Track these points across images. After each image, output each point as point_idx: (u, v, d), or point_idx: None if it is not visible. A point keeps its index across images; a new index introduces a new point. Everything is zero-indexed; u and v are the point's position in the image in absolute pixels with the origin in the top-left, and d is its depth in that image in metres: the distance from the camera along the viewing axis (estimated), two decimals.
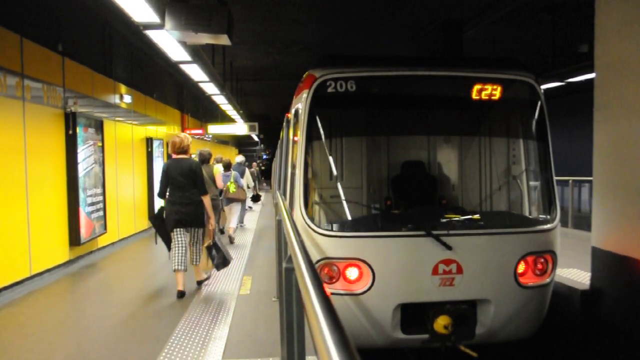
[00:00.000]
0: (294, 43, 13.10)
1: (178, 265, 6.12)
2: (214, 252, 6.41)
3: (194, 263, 6.47)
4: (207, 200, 6.30)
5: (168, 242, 6.39)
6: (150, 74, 13.23)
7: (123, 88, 10.68)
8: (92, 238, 8.69)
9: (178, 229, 6.18)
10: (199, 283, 6.62)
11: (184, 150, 6.30)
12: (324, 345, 1.12)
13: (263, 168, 28.45)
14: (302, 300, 1.65)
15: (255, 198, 14.40)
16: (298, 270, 1.93)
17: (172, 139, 6.43)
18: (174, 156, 6.38)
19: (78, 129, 8.02)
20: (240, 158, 13.61)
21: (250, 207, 16.31)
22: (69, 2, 8.36)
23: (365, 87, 4.71)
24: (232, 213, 10.59)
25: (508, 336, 4.77)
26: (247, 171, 12.81)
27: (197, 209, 6.21)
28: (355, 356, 1.03)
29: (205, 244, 6.45)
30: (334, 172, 5.09)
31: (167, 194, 6.27)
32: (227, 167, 10.47)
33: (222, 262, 6.50)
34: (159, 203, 12.85)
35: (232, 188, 10.24)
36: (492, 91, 4.76)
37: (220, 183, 9.33)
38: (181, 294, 6.14)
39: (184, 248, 6.18)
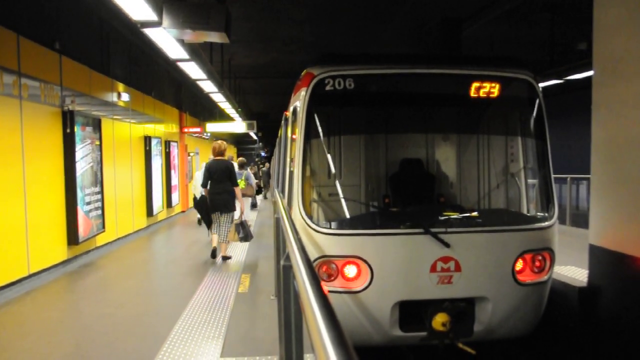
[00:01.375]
0: (292, 41, 13.08)
1: (215, 230, 8.47)
2: (240, 228, 8.20)
3: (221, 241, 8.31)
4: (237, 190, 8.22)
5: (208, 223, 8.86)
6: (148, 72, 13.21)
7: (121, 86, 10.66)
8: (90, 237, 8.68)
9: (216, 212, 8.25)
10: (224, 258, 8.34)
11: (221, 153, 8.29)
12: (321, 344, 1.12)
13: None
14: (300, 298, 1.65)
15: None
16: (296, 268, 1.93)
17: (213, 145, 8.42)
18: (214, 158, 8.28)
19: (76, 128, 8.00)
20: (241, 160, 14.50)
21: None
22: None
23: (364, 85, 4.71)
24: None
25: (506, 333, 4.78)
26: (250, 172, 14.21)
27: (228, 197, 8.12)
28: (352, 354, 1.03)
29: (235, 222, 8.29)
30: (333, 170, 5.09)
31: (209, 185, 8.18)
32: (241, 166, 11.86)
33: (245, 237, 8.30)
34: (157, 201, 12.93)
35: (242, 184, 11.26)
36: (491, 89, 4.76)
37: None
38: (214, 252, 8.35)
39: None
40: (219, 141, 8.50)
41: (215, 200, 8.14)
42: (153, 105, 13.45)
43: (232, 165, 8.32)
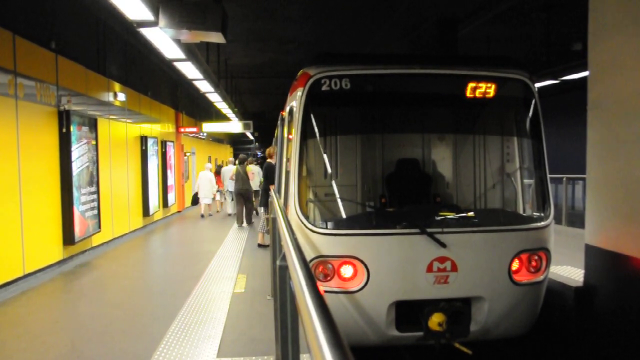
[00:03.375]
0: (288, 41, 13.08)
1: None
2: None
3: (260, 230, 9.72)
4: (272, 187, 8.96)
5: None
6: (144, 72, 13.18)
7: (117, 86, 10.63)
8: (86, 237, 8.66)
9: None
10: (260, 246, 9.50)
11: (270, 156, 9.65)
12: (316, 344, 1.11)
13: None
14: (296, 299, 1.65)
15: None
16: (292, 268, 1.92)
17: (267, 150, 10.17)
18: (268, 160, 9.81)
19: (72, 127, 7.98)
20: None
21: None
22: None
23: (360, 85, 4.71)
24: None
25: (502, 333, 4.78)
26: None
27: (264, 193, 9.52)
28: (348, 354, 1.03)
29: (266, 217, 9.30)
30: (329, 170, 5.08)
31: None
32: (242, 162, 13.16)
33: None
34: (153, 200, 12.93)
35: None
36: (486, 89, 4.77)
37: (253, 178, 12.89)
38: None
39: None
40: (270, 148, 9.96)
41: (260, 196, 10.02)
42: (149, 105, 13.42)
43: (270, 166, 9.35)
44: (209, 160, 24.51)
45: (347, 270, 4.45)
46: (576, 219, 11.14)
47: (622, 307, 4.86)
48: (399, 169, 5.42)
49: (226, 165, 17.01)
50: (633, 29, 4.72)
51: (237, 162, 13.35)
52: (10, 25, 6.57)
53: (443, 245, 4.36)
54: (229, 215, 15.56)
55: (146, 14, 6.19)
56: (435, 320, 4.37)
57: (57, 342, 4.74)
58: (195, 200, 15.43)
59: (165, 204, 14.86)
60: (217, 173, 16.69)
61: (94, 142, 9.01)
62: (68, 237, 8.02)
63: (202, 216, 15.28)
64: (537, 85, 5.42)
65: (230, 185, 15.17)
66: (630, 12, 4.78)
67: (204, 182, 15.22)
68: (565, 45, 12.50)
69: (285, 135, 5.54)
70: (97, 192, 9.17)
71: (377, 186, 5.59)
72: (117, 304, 6.04)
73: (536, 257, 4.71)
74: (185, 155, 18.75)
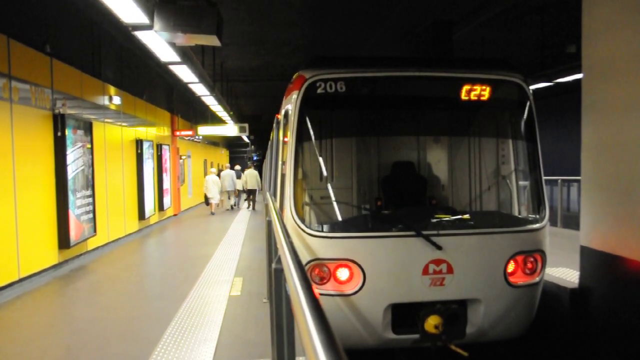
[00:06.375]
0: (284, 44, 13.08)
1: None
2: None
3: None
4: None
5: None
6: (139, 75, 13.16)
7: (112, 89, 10.61)
8: (81, 240, 8.63)
9: None
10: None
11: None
12: (311, 346, 1.12)
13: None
14: (291, 302, 1.65)
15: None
16: (287, 271, 1.92)
17: None
18: None
19: (67, 131, 7.95)
20: (237, 167, 21.48)
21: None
22: (57, 2, 8.30)
23: (355, 88, 4.72)
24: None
25: (498, 335, 4.79)
26: (242, 175, 19.86)
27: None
28: (342, 357, 1.03)
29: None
30: (324, 172, 5.09)
31: None
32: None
33: None
34: (149, 204, 12.92)
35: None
36: (481, 92, 4.79)
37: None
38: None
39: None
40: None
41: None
42: (145, 109, 13.40)
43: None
44: (205, 164, 24.73)
45: (343, 273, 4.45)
46: (571, 221, 11.17)
47: (617, 308, 4.88)
48: (394, 171, 5.44)
49: (224, 169, 20.25)
50: (627, 31, 4.75)
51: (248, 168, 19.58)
52: (5, 29, 6.55)
53: (439, 247, 4.37)
54: (227, 210, 19.23)
55: (141, 18, 6.19)
56: (431, 323, 4.38)
57: (52, 346, 4.72)
58: (207, 201, 18.27)
59: (161, 207, 14.83)
60: (217, 175, 19.17)
61: (89, 146, 8.99)
62: (63, 241, 7.99)
63: (212, 213, 17.73)
64: (532, 87, 5.44)
65: (228, 186, 18.75)
66: (624, 14, 4.81)
67: (211, 185, 17.80)
68: (560, 47, 12.56)
69: (281, 138, 5.55)
70: (93, 195, 9.14)
71: (373, 189, 5.60)
72: (112, 307, 6.02)
73: (532, 259, 4.73)
74: (180, 159, 18.75)
